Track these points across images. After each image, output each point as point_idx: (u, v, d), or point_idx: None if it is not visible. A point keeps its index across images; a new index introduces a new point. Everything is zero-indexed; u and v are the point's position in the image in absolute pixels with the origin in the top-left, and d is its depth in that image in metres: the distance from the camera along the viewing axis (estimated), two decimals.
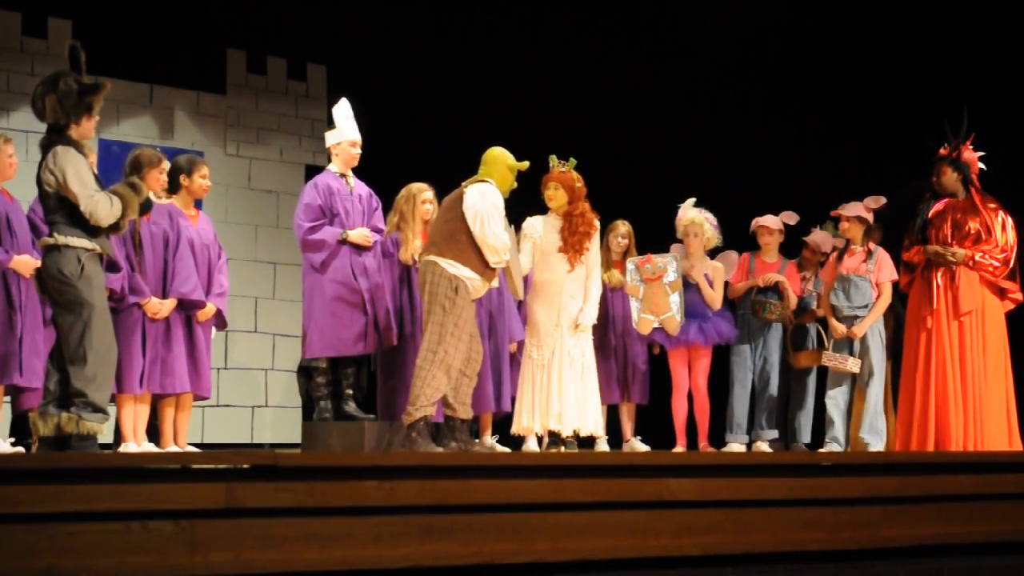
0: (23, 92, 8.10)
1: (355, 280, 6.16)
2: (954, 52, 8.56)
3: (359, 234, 6.22)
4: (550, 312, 6.27)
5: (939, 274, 6.35)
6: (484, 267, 5.69)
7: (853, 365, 6.60)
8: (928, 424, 6.25)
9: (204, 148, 8.92)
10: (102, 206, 4.81)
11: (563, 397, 6.19)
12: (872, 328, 6.70)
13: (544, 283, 6.33)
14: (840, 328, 6.67)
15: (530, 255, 6.34)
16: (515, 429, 6.38)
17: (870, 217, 6.82)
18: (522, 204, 6.32)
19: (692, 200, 7.13)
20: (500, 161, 5.87)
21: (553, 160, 6.38)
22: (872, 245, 6.82)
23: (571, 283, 6.31)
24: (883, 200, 6.88)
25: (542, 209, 6.49)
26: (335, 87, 8.84)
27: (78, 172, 4.77)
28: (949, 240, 6.40)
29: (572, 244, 6.28)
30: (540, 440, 6.49)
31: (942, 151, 6.53)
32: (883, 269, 6.74)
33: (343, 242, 6.19)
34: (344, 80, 8.71)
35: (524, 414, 6.26)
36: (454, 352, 5.55)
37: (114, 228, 4.95)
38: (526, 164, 5.93)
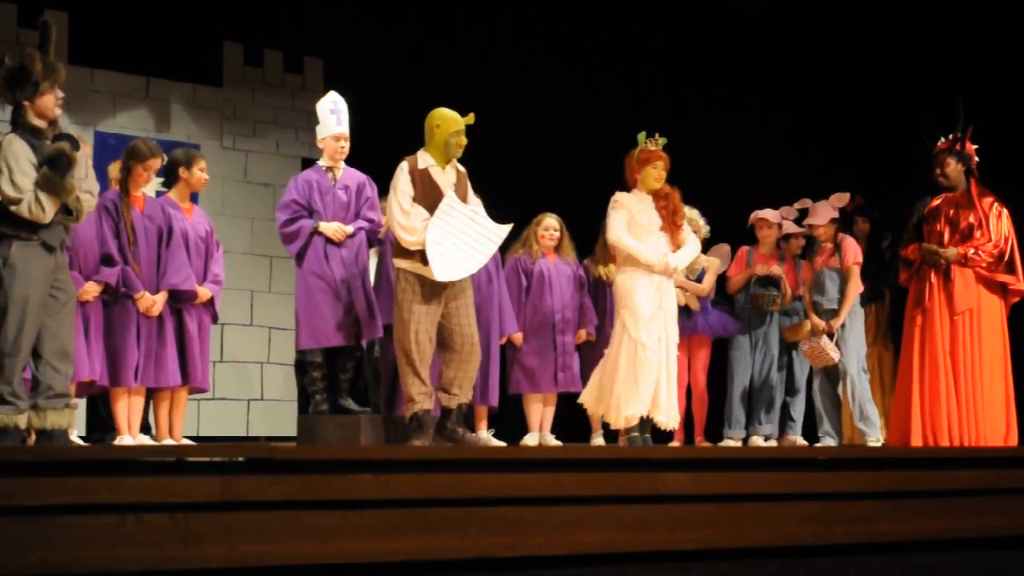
0: None
1: (329, 270, 6.15)
2: (936, 46, 8.57)
3: (330, 227, 6.19)
4: (652, 294, 5.92)
5: (933, 272, 6.34)
6: (405, 251, 5.53)
7: (833, 352, 6.61)
8: (917, 421, 6.22)
9: (200, 141, 8.91)
10: (35, 209, 4.70)
11: (670, 387, 5.91)
12: (849, 319, 6.72)
13: (648, 264, 5.96)
14: (820, 323, 6.69)
15: (625, 226, 5.96)
16: (618, 422, 5.93)
17: (837, 214, 6.86)
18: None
19: None
20: (429, 125, 5.65)
21: (642, 137, 6.05)
22: (840, 236, 6.86)
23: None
24: (847, 197, 6.91)
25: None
26: (332, 80, 8.81)
27: (12, 172, 4.68)
28: (944, 238, 6.37)
29: (675, 221, 6.06)
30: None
31: (941, 144, 6.50)
32: (847, 254, 6.78)
33: (316, 233, 6.18)
34: (341, 73, 8.70)
35: (633, 403, 5.81)
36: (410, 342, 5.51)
37: (69, 216, 4.85)
38: (458, 118, 5.58)
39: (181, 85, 9.05)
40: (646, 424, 5.88)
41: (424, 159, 5.64)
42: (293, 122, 9.41)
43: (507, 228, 5.74)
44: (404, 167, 5.62)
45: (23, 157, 4.73)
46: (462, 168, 5.77)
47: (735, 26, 9.29)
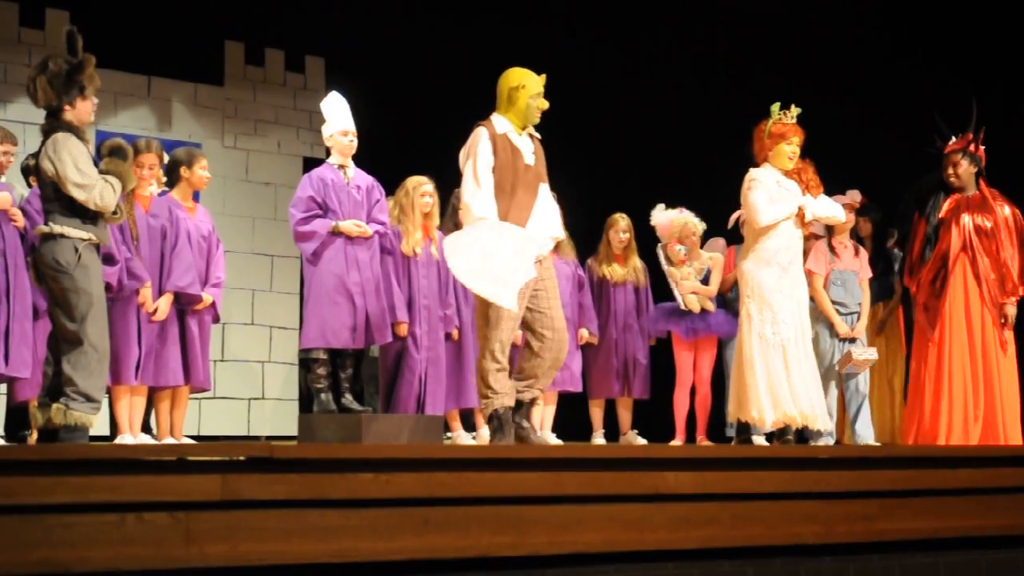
0: (20, 83, 8.06)
1: (346, 272, 6.12)
2: (935, 44, 8.58)
3: (350, 225, 6.17)
4: (783, 282, 5.55)
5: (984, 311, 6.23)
6: None
7: (870, 355, 6.60)
8: (943, 424, 6.19)
9: (202, 140, 8.91)
10: (107, 195, 4.76)
11: (811, 386, 5.52)
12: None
13: (776, 250, 5.57)
14: (846, 328, 6.67)
15: (767, 203, 5.53)
16: (740, 419, 5.57)
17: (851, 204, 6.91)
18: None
19: (662, 205, 7.15)
20: (506, 86, 5.15)
21: (775, 109, 5.66)
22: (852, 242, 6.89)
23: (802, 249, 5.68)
24: (858, 196, 6.94)
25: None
26: (333, 79, 8.81)
27: (77, 163, 4.69)
28: (979, 244, 6.24)
29: (812, 196, 5.65)
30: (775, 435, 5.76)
31: (953, 144, 6.44)
32: (867, 266, 6.81)
33: (335, 233, 6.14)
34: (342, 72, 8.70)
35: (752, 404, 5.47)
36: None
37: (114, 215, 4.90)
38: (537, 78, 5.15)
39: (183, 84, 9.06)
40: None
41: (500, 123, 5.11)
42: (294, 121, 9.41)
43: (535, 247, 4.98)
44: (484, 132, 5.04)
45: (84, 150, 4.78)
46: (536, 135, 5.29)
47: (729, 24, 9.28)
